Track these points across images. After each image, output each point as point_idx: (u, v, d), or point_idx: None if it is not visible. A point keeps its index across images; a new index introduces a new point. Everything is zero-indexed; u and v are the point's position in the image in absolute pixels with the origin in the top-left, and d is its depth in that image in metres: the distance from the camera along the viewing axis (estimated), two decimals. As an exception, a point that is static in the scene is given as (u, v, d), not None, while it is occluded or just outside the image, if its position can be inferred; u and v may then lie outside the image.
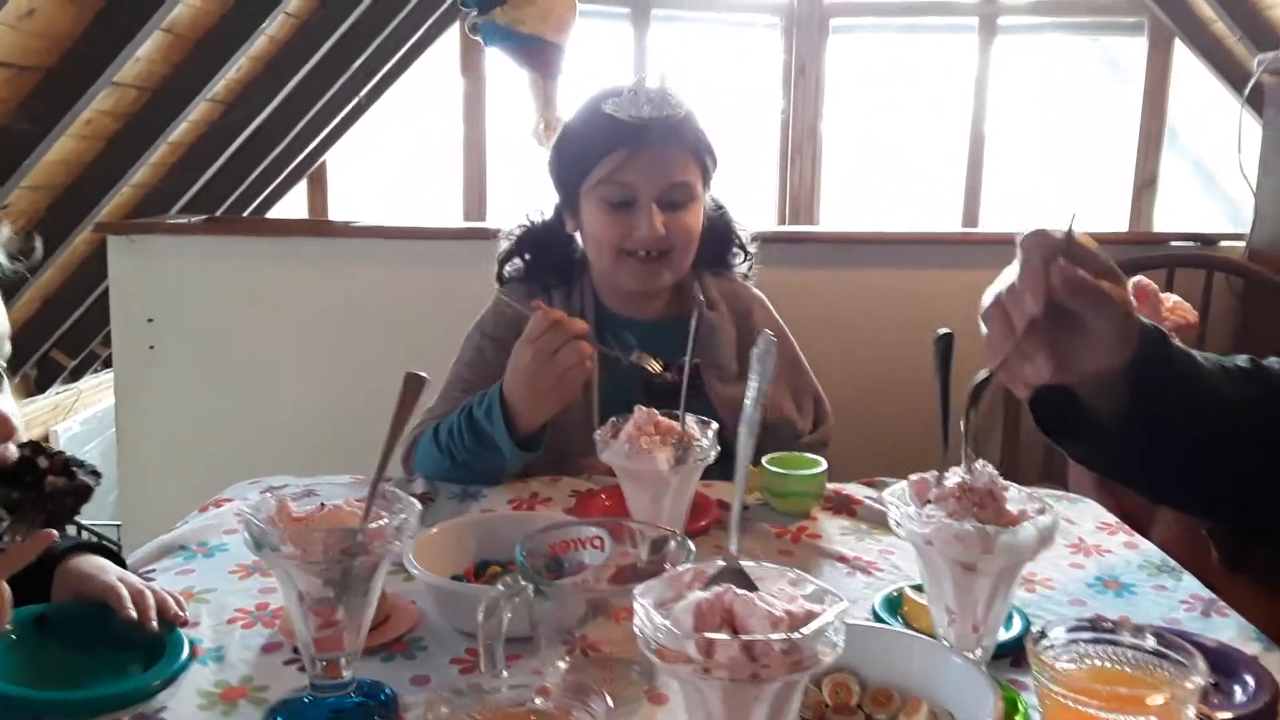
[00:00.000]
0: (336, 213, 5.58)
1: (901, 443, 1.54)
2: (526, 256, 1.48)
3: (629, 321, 1.42)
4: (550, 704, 0.63)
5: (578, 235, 1.46)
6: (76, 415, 5.28)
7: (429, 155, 6.39)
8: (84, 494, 0.72)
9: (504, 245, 1.50)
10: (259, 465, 1.43)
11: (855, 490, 1.21)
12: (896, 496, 0.74)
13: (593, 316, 1.42)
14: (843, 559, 1.03)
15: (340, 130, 6.60)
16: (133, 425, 2.38)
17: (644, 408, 1.03)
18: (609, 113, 1.33)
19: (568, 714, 0.63)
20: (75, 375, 5.34)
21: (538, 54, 2.29)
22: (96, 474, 0.73)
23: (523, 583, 0.74)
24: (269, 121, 5.52)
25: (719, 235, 1.51)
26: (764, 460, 1.19)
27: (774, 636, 0.54)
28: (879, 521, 1.12)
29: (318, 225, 3.39)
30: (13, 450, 0.74)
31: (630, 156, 1.34)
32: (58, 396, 5.28)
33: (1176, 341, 0.81)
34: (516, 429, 1.20)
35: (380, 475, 0.76)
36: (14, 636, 0.80)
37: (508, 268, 1.49)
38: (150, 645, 0.82)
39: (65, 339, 5.08)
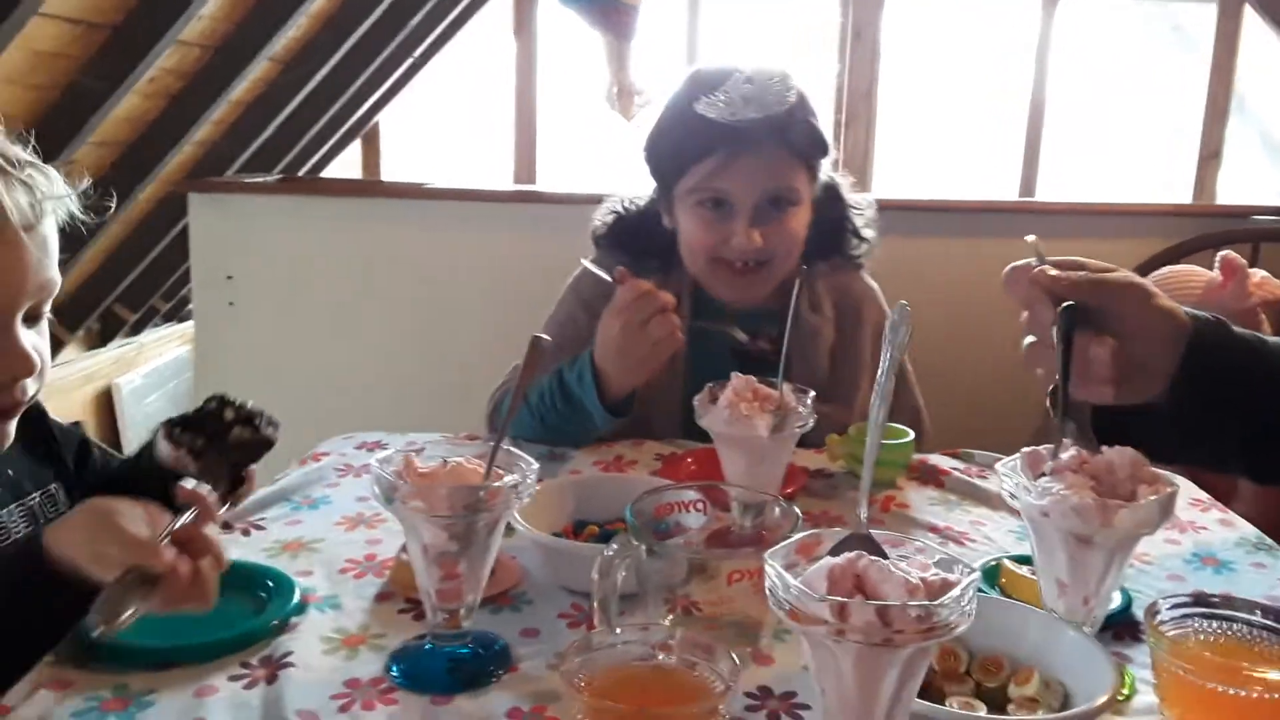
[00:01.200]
0: (389, 173, 5.62)
1: (965, 413, 1.53)
2: (621, 231, 1.43)
3: (727, 308, 1.38)
4: (674, 660, 0.65)
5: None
6: (138, 369, 5.41)
7: (481, 116, 6.40)
8: (265, 445, 0.76)
9: (597, 224, 1.46)
10: (333, 419, 1.47)
11: (941, 461, 1.21)
12: (1010, 469, 0.75)
13: (689, 304, 1.37)
14: (934, 529, 1.04)
15: (394, 90, 6.63)
16: (212, 379, 2.44)
17: (742, 375, 1.04)
18: (704, 115, 1.23)
19: (692, 669, 0.64)
20: (136, 329, 5.46)
21: (613, 14, 2.28)
22: (276, 425, 0.77)
23: (635, 543, 0.76)
24: (325, 81, 5.56)
25: (830, 226, 1.39)
26: (850, 429, 1.20)
27: (912, 603, 0.55)
28: (968, 492, 1.13)
29: (388, 186, 3.43)
30: (29, 389, 0.80)
31: (726, 162, 1.25)
32: (120, 350, 5.41)
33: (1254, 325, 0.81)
34: (607, 394, 1.21)
35: (503, 435, 0.78)
36: None
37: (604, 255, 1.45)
38: (262, 592, 0.85)
39: (127, 293, 5.19)
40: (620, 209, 1.44)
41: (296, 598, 0.84)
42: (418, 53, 6.39)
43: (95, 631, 0.66)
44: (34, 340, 0.81)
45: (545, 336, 0.79)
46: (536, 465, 0.77)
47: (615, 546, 0.76)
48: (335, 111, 5.97)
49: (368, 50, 5.71)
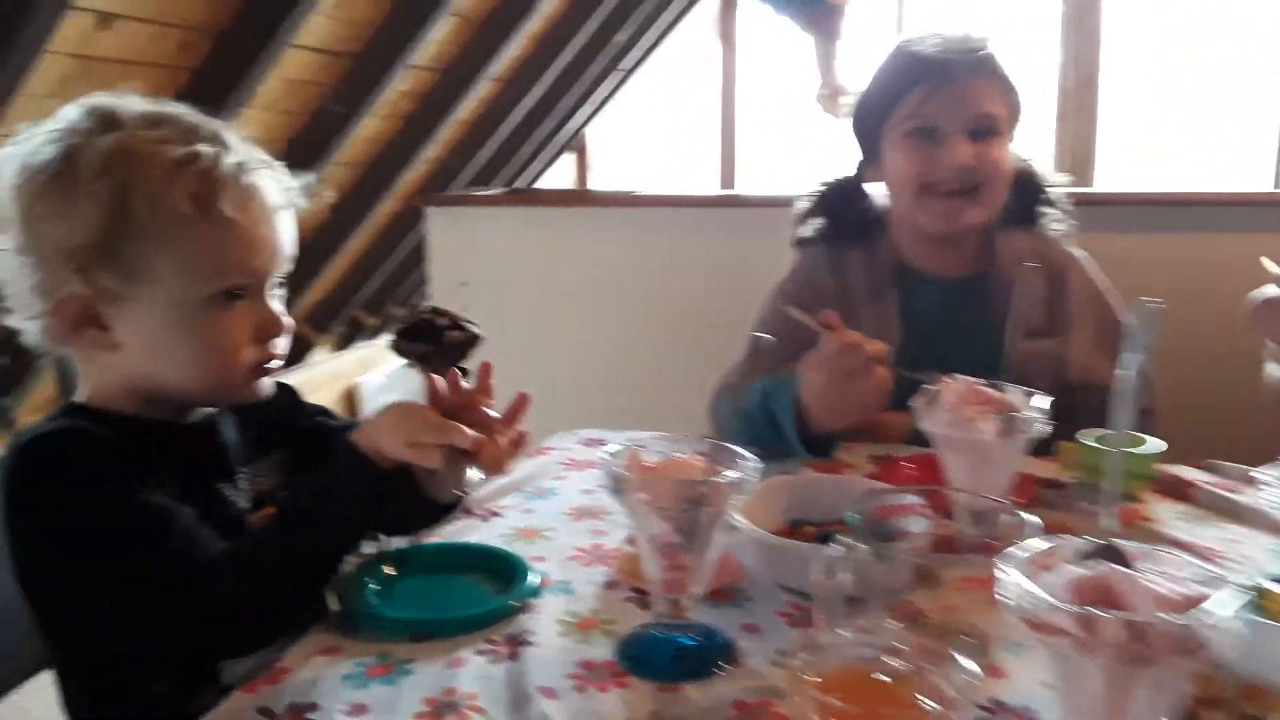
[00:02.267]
0: (597, 183, 5.82)
1: (1201, 422, 1.42)
2: (824, 215, 1.48)
3: (932, 278, 1.40)
4: (905, 665, 0.65)
5: (878, 193, 1.45)
6: (379, 368, 5.87)
7: (685, 124, 6.49)
8: (474, 342, 0.86)
9: (802, 206, 1.51)
10: (556, 417, 1.55)
11: (1188, 473, 1.12)
12: (1274, 478, 0.69)
13: (893, 273, 1.41)
14: (1183, 545, 0.97)
15: (603, 104, 6.86)
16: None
17: (960, 375, 1.01)
18: (912, 50, 1.35)
19: (922, 676, 0.64)
20: (374, 333, 5.94)
21: (820, 17, 2.27)
22: (478, 326, 0.88)
23: (858, 545, 0.76)
24: (541, 98, 5.83)
25: (1025, 187, 1.44)
26: (1078, 436, 1.14)
27: (1166, 618, 0.52)
28: (1220, 507, 1.04)
29: (602, 196, 3.60)
30: (278, 346, 0.92)
31: (934, 90, 1.33)
32: (363, 352, 5.89)
33: None
34: (810, 429, 1.20)
35: (724, 432, 0.80)
36: (393, 572, 0.92)
37: (806, 228, 1.50)
38: (501, 574, 0.91)
39: (369, 301, 5.65)
40: (824, 183, 1.50)
41: (536, 580, 0.90)
42: (624, 66, 6.58)
43: (462, 495, 0.86)
44: (280, 307, 0.93)
45: (765, 335, 0.80)
46: (758, 462, 0.78)
47: (838, 547, 0.76)
48: (549, 126, 6.25)
49: (579, 66, 5.95)
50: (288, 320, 0.93)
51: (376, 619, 0.82)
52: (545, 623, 0.84)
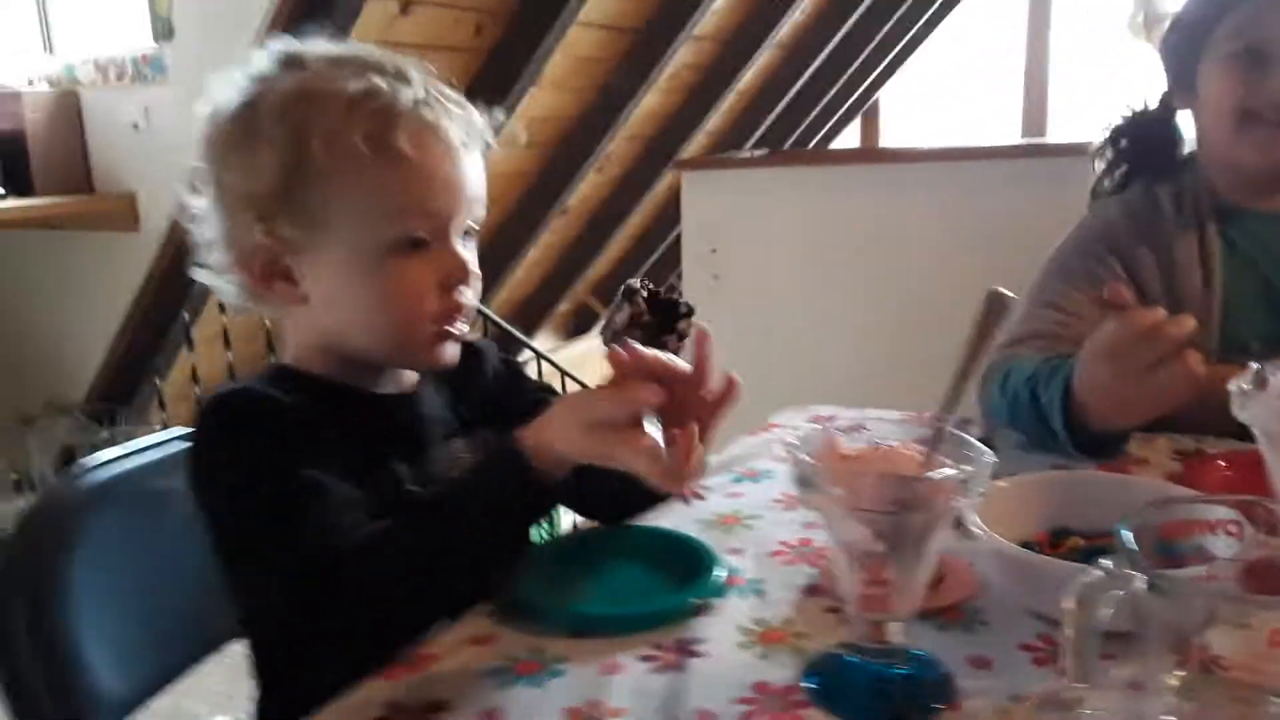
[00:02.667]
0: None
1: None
2: (1124, 150, 1.26)
3: (1253, 214, 1.17)
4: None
5: (1187, 125, 1.23)
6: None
7: (985, 79, 5.98)
8: (677, 317, 0.79)
9: (1096, 145, 1.29)
10: (814, 392, 1.40)
11: None
12: None
13: (1208, 208, 1.19)
14: None
15: (895, 65, 6.49)
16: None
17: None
18: None
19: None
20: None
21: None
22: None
23: (1129, 571, 0.57)
24: (826, 63, 5.61)
25: None
26: None
27: None
28: None
29: (874, 153, 3.36)
30: (466, 295, 0.85)
31: (1267, 7, 1.14)
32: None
33: None
34: (1086, 430, 0.97)
35: (949, 413, 0.63)
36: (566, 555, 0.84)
37: (1103, 175, 1.26)
38: (686, 566, 0.80)
39: (650, 272, 5.76)
40: (1128, 110, 1.28)
41: (722, 576, 0.78)
42: (920, 22, 6.16)
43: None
44: (468, 254, 0.85)
45: (1006, 292, 0.62)
46: (991, 458, 0.60)
47: (1100, 572, 0.57)
48: (835, 92, 6.02)
49: (868, 28, 5.65)
50: (475, 268, 0.86)
51: (535, 608, 0.74)
52: (725, 629, 0.72)
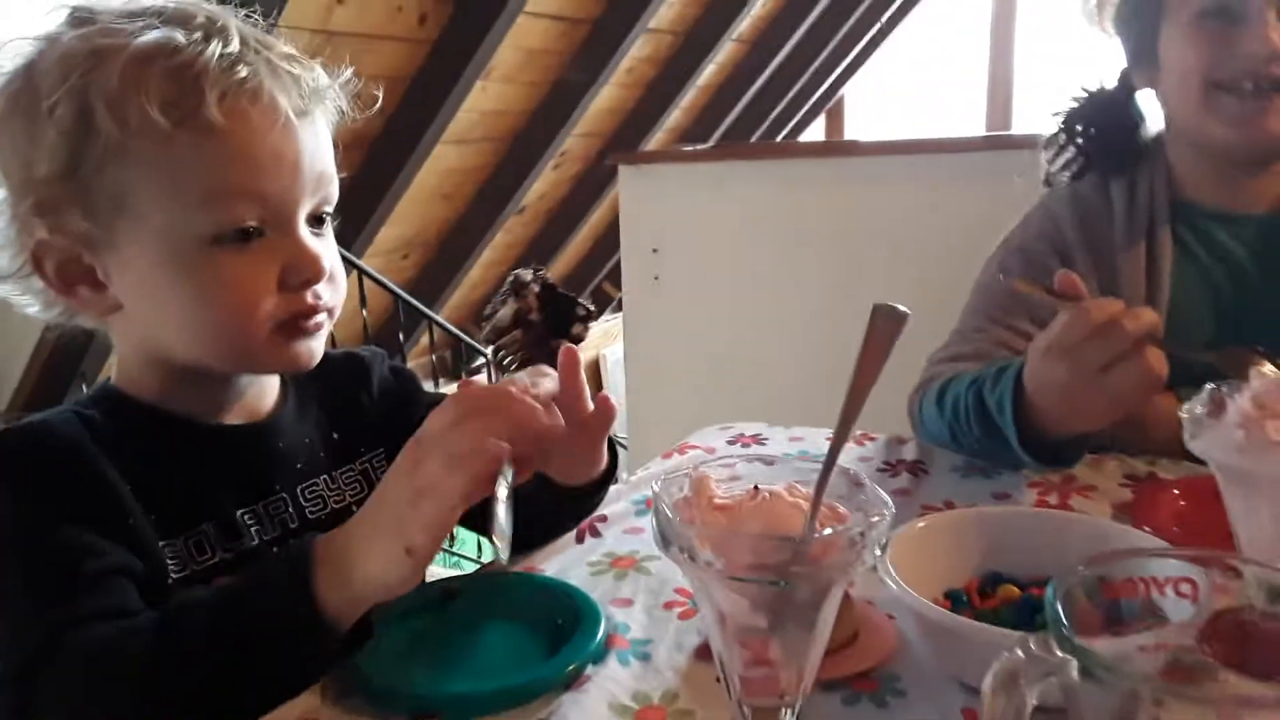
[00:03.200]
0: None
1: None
2: (1078, 138, 1.14)
3: (1220, 216, 1.03)
4: None
5: (1148, 107, 1.11)
6: (621, 340, 5.89)
7: (950, 74, 5.92)
8: (574, 321, 0.65)
9: (1048, 133, 1.18)
10: (754, 402, 1.29)
11: None
12: None
13: (1163, 207, 1.07)
14: None
15: (859, 60, 6.42)
16: (638, 352, 2.45)
17: (1268, 371, 0.66)
18: None
19: None
20: (620, 306, 5.95)
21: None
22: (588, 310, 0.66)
23: (1059, 653, 0.46)
24: (789, 58, 5.53)
25: None
26: None
27: None
28: None
29: (827, 146, 3.26)
30: (322, 295, 0.72)
31: None
32: (607, 324, 5.94)
33: None
34: (1039, 435, 0.87)
35: (838, 448, 0.52)
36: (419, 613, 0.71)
37: (1055, 165, 1.16)
38: (567, 622, 0.69)
39: (614, 272, 5.66)
40: (1081, 92, 1.16)
41: (599, 638, 0.67)
42: (883, 19, 6.08)
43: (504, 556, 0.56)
44: (320, 246, 0.73)
45: (898, 307, 0.51)
46: (891, 509, 0.49)
47: (1023, 652, 0.47)
48: (799, 88, 5.93)
49: (832, 22, 5.57)
50: (330, 260, 0.72)
51: (368, 686, 0.62)
52: (594, 709, 0.60)
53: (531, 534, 0.84)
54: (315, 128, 0.71)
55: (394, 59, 3.23)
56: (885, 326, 0.50)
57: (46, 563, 0.62)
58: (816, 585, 0.49)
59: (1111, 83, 1.14)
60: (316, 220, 0.73)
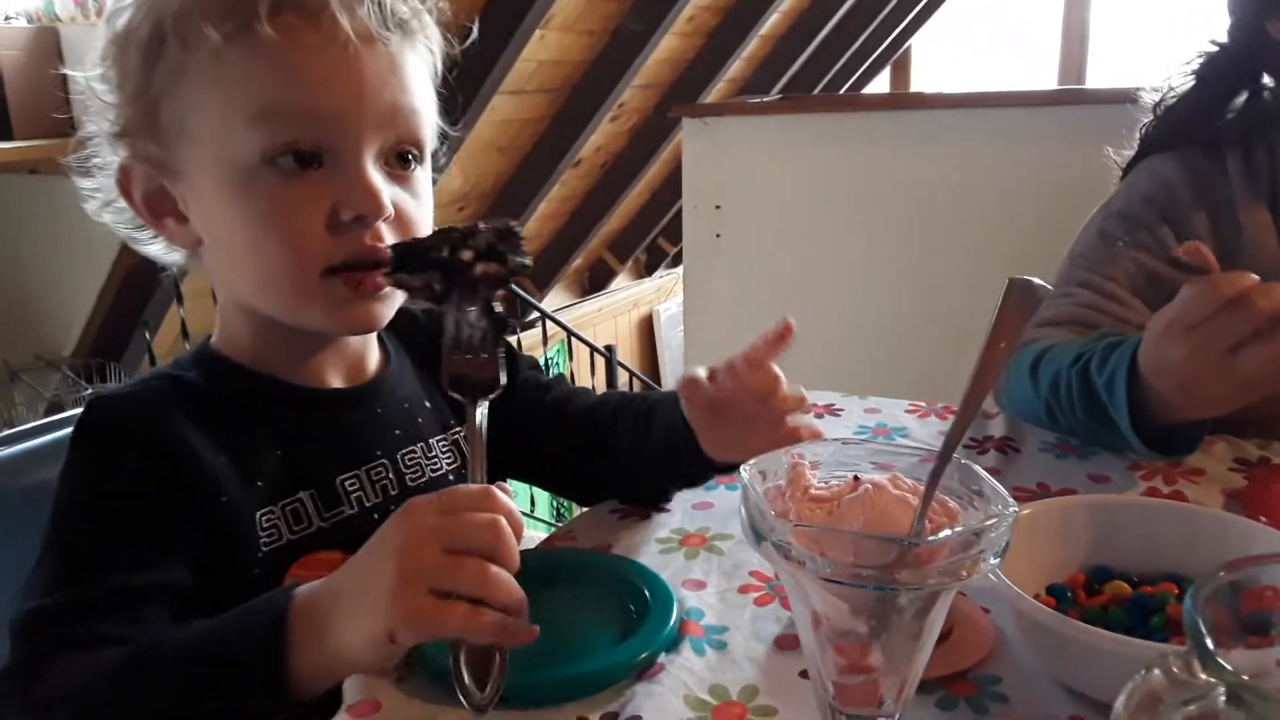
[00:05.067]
0: (917, 96, 5.24)
1: None
2: (1191, 89, 1.03)
3: None
4: None
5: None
6: (676, 296, 5.83)
7: (1021, 25, 5.70)
8: (507, 277, 0.58)
9: (1149, 98, 1.06)
10: (817, 367, 1.23)
11: None
12: None
13: None
14: None
15: (928, 10, 6.19)
16: (699, 312, 2.39)
17: None
18: None
19: None
20: (676, 261, 5.88)
21: None
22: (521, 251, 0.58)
23: (1203, 676, 0.41)
24: (856, 7, 5.35)
25: None
26: None
27: None
28: None
29: (899, 98, 3.14)
30: (384, 235, 0.65)
31: None
32: (661, 280, 5.87)
33: None
34: (1153, 420, 0.80)
35: (958, 436, 0.47)
36: None
37: (1158, 124, 1.06)
38: (635, 605, 0.65)
39: (669, 227, 5.58)
40: (1187, 61, 1.03)
41: (672, 623, 0.63)
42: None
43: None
44: (393, 192, 0.66)
45: (1035, 281, 0.45)
46: (1013, 507, 0.44)
47: (1162, 673, 0.42)
48: (865, 39, 5.75)
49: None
50: (402, 202, 0.66)
51: (431, 667, 0.59)
52: (667, 701, 0.57)
53: (639, 490, 0.81)
54: (390, 55, 0.65)
55: (453, 5, 3.18)
56: (1020, 302, 0.44)
57: (77, 564, 0.60)
58: (924, 591, 0.44)
59: (1219, 40, 1.02)
60: (399, 159, 0.68)
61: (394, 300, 0.69)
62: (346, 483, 0.71)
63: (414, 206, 0.68)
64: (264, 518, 0.66)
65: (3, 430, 0.92)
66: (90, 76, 0.67)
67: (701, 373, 0.70)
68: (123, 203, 0.69)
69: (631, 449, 0.78)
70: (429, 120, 0.69)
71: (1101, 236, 1.01)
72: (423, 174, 0.70)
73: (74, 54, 2.95)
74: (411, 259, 0.59)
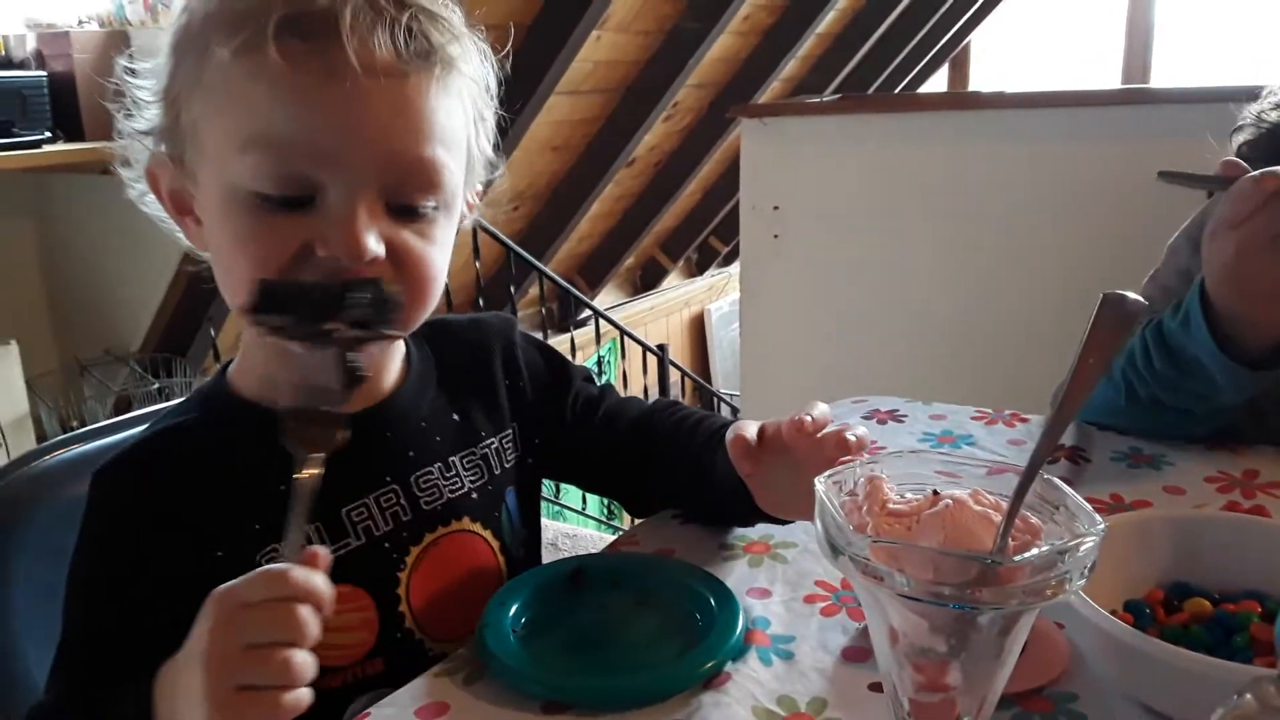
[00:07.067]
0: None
1: None
2: None
3: None
4: None
5: None
6: (727, 296, 5.82)
7: (1084, 23, 5.57)
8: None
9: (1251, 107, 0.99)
10: (877, 371, 1.22)
11: None
12: None
13: None
14: None
15: (988, 7, 6.08)
16: (756, 315, 2.37)
17: None
18: None
19: None
20: (727, 260, 5.86)
21: None
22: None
23: (1302, 702, 0.39)
24: (914, 4, 5.28)
25: None
26: None
27: None
28: None
29: (960, 98, 3.08)
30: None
31: None
32: (712, 279, 5.86)
33: None
34: (1233, 341, 0.79)
35: (1045, 452, 0.46)
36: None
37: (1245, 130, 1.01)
38: (699, 613, 0.64)
39: (721, 226, 5.56)
40: None
41: (739, 632, 0.62)
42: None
43: None
44: (394, 232, 0.62)
45: (1129, 295, 0.44)
46: (1101, 526, 0.43)
47: (1256, 699, 0.40)
48: (922, 36, 5.67)
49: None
50: (374, 243, 0.60)
51: (498, 670, 0.59)
52: (736, 710, 0.56)
53: (695, 516, 0.80)
54: (406, 94, 0.61)
55: (510, 6, 3.20)
56: (1113, 318, 0.43)
57: (73, 658, 0.63)
58: (1006, 611, 0.43)
59: None
60: (406, 211, 0.63)
61: (368, 354, 0.64)
62: (352, 513, 0.69)
63: (420, 247, 0.63)
64: (264, 559, 0.65)
65: (74, 424, 0.95)
66: (141, 69, 0.67)
67: (751, 432, 0.68)
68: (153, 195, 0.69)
69: (687, 494, 0.79)
70: (452, 166, 0.64)
71: (1191, 243, 0.97)
72: (442, 218, 0.65)
73: (143, 57, 3.04)
74: (273, 302, 0.58)
